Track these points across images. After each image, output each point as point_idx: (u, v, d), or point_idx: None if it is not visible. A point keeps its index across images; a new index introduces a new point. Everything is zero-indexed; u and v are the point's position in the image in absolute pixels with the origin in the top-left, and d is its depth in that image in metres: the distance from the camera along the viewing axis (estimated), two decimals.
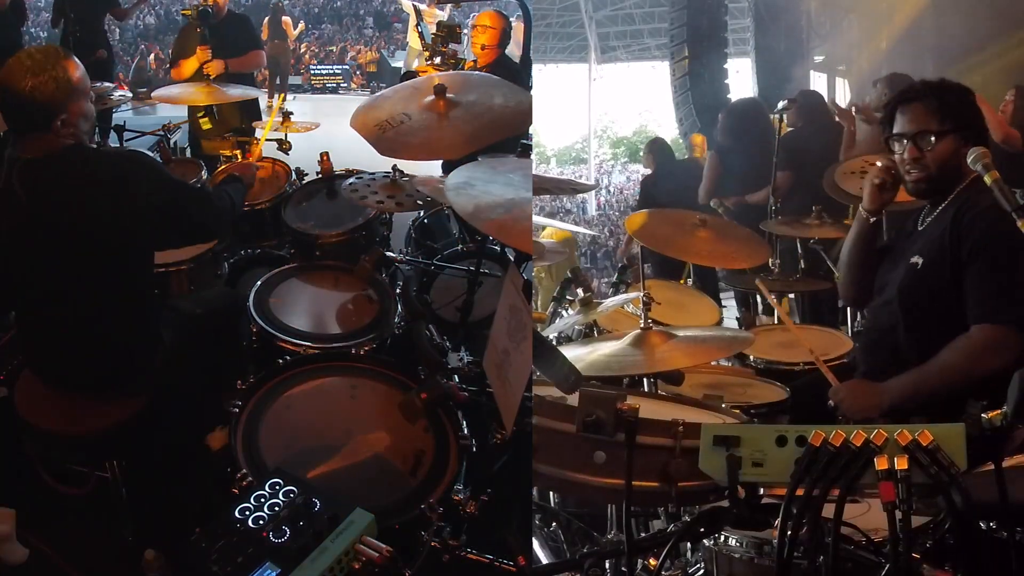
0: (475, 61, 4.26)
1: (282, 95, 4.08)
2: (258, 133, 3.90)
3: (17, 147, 2.16)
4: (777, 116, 4.13)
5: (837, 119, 4.23)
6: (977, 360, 1.96)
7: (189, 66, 4.41)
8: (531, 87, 4.56)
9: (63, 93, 2.08)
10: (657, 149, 6.08)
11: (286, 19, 11.84)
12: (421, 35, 4.27)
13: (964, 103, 2.12)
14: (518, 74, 4.20)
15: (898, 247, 2.28)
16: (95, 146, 2.36)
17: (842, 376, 2.39)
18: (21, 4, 5.64)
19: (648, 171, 6.03)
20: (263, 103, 6.95)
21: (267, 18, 11.41)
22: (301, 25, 14.84)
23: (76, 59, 2.15)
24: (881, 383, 2.11)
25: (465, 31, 4.39)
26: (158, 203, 2.20)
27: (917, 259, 2.11)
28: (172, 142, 4.39)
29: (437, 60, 3.71)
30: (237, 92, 3.94)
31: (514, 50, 4.84)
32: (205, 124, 4.12)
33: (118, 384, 2.31)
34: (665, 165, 5.90)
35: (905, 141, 2.13)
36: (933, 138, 2.08)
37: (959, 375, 1.98)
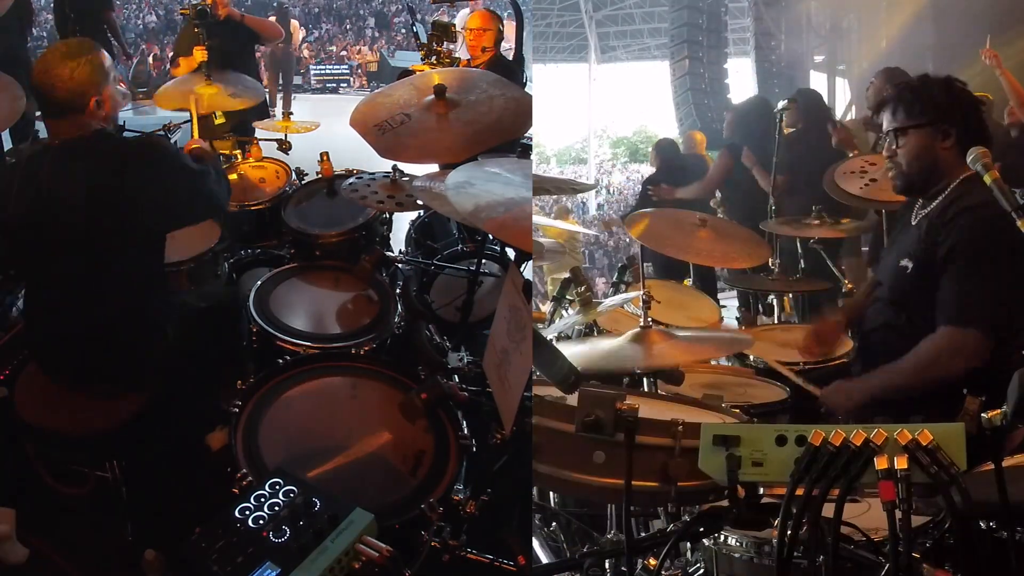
0: (469, 61, 4.26)
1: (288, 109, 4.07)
2: (258, 133, 3.90)
3: (49, 135, 2.25)
4: (777, 116, 4.12)
5: (835, 144, 4.21)
6: (941, 363, 1.97)
7: (186, 66, 4.40)
8: (525, 84, 4.56)
9: (99, 75, 2.20)
10: (662, 149, 6.20)
11: (293, 23, 11.72)
12: (416, 35, 4.26)
13: (941, 97, 2.12)
14: (514, 73, 4.20)
15: (892, 244, 2.31)
16: None
17: (841, 376, 2.40)
18: (27, 5, 5.61)
19: (652, 170, 6.11)
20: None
21: (272, 18, 11.33)
22: (303, 31, 14.83)
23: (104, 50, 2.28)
24: (852, 382, 2.16)
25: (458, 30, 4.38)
26: (178, 184, 2.27)
27: (906, 263, 2.12)
28: (172, 142, 4.38)
29: (433, 59, 3.71)
30: (240, 97, 3.92)
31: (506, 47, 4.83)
32: (219, 119, 4.10)
33: (120, 377, 2.32)
34: (669, 165, 5.98)
35: (887, 140, 2.18)
36: (902, 134, 2.13)
37: (923, 377, 2.00)
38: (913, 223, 2.20)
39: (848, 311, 2.60)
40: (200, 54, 4.27)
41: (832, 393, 2.19)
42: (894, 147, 2.16)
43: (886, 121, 2.18)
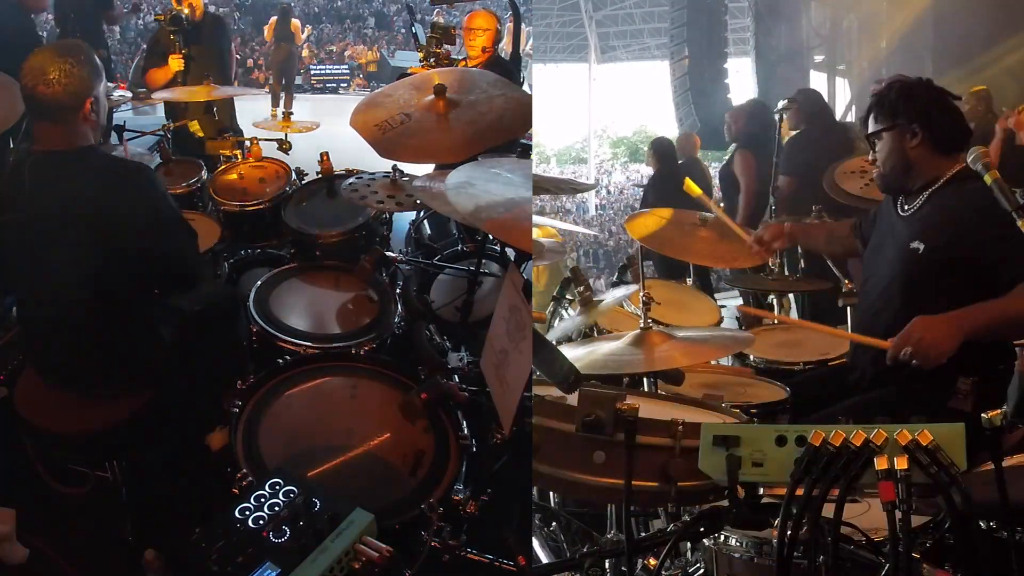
0: (466, 60, 4.25)
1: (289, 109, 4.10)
2: (258, 133, 3.90)
3: (34, 139, 2.20)
4: (777, 116, 4.12)
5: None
6: None
7: (162, 76, 4.38)
8: (522, 83, 4.55)
9: (94, 76, 2.17)
10: (660, 148, 6.10)
11: (295, 22, 11.63)
12: (415, 36, 4.26)
13: (900, 101, 2.22)
14: (511, 74, 4.19)
15: (883, 237, 2.35)
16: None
17: (842, 375, 2.39)
18: None
19: (652, 171, 6.14)
20: (267, 110, 6.94)
21: (273, 19, 11.27)
22: (308, 29, 14.76)
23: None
24: (948, 314, 2.00)
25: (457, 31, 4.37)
26: (150, 223, 2.21)
27: (918, 244, 2.17)
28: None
29: (431, 61, 3.71)
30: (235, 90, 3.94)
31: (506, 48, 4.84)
32: (198, 131, 4.10)
33: (118, 382, 2.31)
34: (669, 165, 5.97)
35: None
36: (877, 138, 2.27)
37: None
38: (903, 215, 2.27)
39: (793, 224, 2.70)
40: (176, 63, 4.26)
41: (923, 332, 1.95)
42: (873, 151, 2.30)
43: (868, 127, 2.32)
